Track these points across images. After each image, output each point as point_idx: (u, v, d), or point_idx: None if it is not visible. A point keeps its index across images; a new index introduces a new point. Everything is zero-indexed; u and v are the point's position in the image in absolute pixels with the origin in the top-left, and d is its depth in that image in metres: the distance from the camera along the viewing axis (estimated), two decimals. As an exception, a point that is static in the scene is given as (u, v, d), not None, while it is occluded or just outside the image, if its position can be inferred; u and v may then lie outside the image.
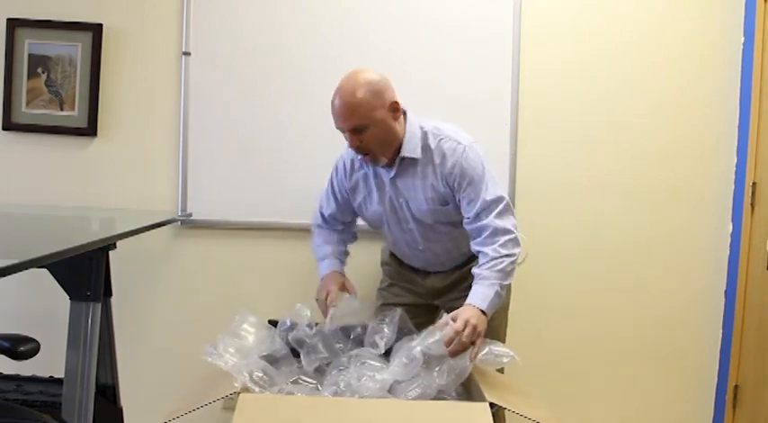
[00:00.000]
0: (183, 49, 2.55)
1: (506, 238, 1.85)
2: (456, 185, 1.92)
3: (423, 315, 2.25)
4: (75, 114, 2.57)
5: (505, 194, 1.93)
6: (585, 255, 2.62)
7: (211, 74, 2.55)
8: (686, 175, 2.61)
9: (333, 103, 1.89)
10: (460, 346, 1.66)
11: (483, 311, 1.74)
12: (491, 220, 1.86)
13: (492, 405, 1.60)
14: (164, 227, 2.45)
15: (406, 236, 2.08)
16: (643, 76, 2.58)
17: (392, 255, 2.26)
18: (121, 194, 2.59)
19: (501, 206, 1.88)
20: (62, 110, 2.57)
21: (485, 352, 1.70)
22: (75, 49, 2.56)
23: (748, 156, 2.49)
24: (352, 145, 1.92)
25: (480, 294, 1.78)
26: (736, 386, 2.54)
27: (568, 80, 2.58)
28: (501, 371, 2.09)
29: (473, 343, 1.67)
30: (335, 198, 2.13)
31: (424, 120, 1.99)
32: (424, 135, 1.94)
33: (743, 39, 2.55)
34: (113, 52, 2.57)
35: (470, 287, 1.93)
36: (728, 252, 2.60)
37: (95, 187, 2.60)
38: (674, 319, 2.64)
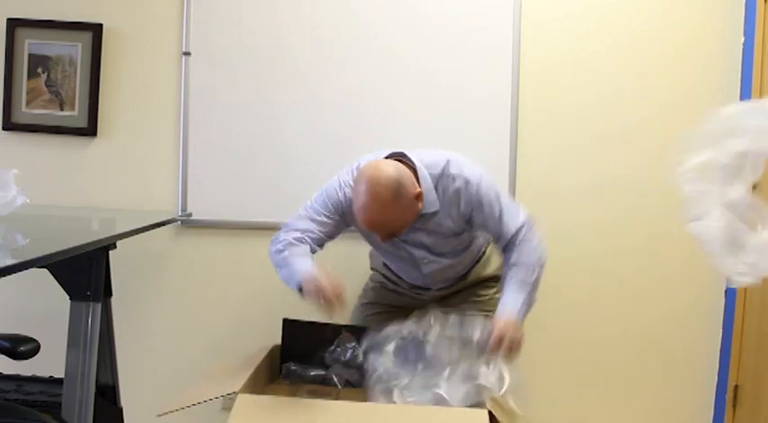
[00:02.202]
0: (183, 49, 2.55)
1: (537, 254, 1.93)
2: (475, 218, 1.93)
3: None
4: (75, 114, 2.57)
5: (526, 216, 1.96)
6: (585, 255, 2.62)
7: (211, 74, 2.55)
8: (686, 175, 2.60)
9: (361, 217, 1.82)
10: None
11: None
12: (519, 244, 1.92)
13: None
14: (164, 227, 2.45)
15: (407, 265, 2.08)
16: (643, 76, 2.58)
17: (386, 265, 2.24)
18: (121, 194, 2.59)
19: (525, 231, 1.93)
20: (62, 110, 2.57)
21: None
22: (75, 49, 2.56)
23: (748, 156, 2.49)
24: (383, 240, 1.92)
25: (511, 301, 1.87)
26: (736, 386, 2.54)
27: (569, 80, 2.58)
28: None
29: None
30: (331, 218, 1.97)
31: (429, 158, 1.92)
32: (436, 183, 1.90)
33: (743, 39, 2.54)
34: (113, 52, 2.57)
35: (471, 292, 2.06)
36: (728, 252, 2.60)
37: (95, 187, 2.60)
38: (675, 319, 2.64)
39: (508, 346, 1.76)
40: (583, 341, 2.64)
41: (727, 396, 2.57)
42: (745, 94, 2.52)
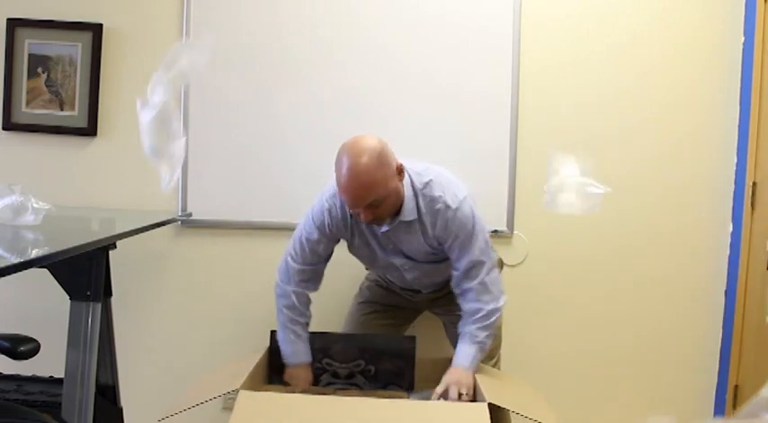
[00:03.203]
0: (183, 49, 2.55)
1: (491, 297, 1.92)
2: (445, 242, 1.92)
3: (404, 317, 2.27)
4: (75, 114, 2.57)
5: (493, 255, 1.98)
6: (585, 255, 2.62)
7: (211, 74, 2.55)
8: (686, 175, 2.61)
9: (344, 183, 1.79)
10: None
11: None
12: (479, 279, 1.91)
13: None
14: (164, 227, 2.45)
15: (396, 272, 2.08)
16: (643, 76, 2.58)
17: None
18: (121, 194, 2.59)
19: (488, 265, 1.92)
20: (62, 110, 2.57)
21: None
22: (75, 49, 2.56)
23: (748, 156, 2.49)
24: (366, 219, 1.84)
25: (465, 354, 1.90)
26: (736, 386, 2.54)
27: (569, 80, 2.58)
28: (496, 366, 2.11)
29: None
30: (326, 236, 2.00)
31: (413, 168, 1.93)
32: (415, 197, 1.90)
33: (743, 39, 2.54)
34: (113, 52, 2.57)
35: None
36: (728, 252, 2.60)
37: (95, 187, 2.60)
38: (674, 319, 2.64)
39: (460, 393, 1.80)
40: (582, 341, 2.64)
41: (727, 396, 2.57)
42: (745, 94, 2.52)
